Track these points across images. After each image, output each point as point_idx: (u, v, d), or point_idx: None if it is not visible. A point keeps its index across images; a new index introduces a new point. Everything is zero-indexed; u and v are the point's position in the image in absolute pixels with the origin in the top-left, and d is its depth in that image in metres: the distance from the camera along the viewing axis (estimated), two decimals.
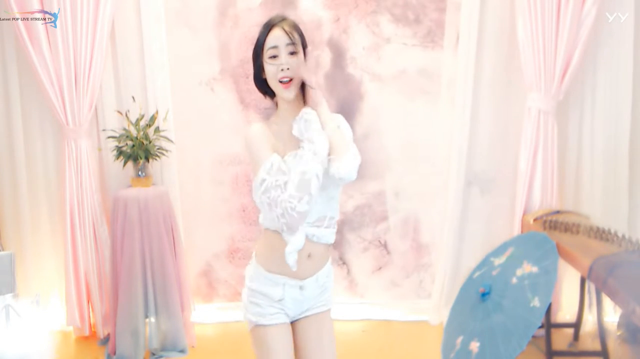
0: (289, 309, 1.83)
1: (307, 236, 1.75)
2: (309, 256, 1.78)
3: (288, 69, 1.72)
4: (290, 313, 1.84)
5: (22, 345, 2.12)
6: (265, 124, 1.80)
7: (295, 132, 1.74)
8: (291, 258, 1.72)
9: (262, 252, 1.82)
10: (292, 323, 1.88)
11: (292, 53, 1.73)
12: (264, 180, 1.66)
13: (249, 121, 3.59)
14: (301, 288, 1.81)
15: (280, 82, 1.73)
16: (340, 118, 1.81)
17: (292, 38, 1.72)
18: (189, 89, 3.55)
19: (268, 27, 1.75)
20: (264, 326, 1.80)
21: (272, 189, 1.64)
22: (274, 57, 1.73)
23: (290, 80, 1.72)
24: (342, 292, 3.76)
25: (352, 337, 3.41)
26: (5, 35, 3.28)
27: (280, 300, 1.80)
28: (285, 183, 1.65)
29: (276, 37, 1.72)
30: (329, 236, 1.82)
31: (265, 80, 1.79)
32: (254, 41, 1.80)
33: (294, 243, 1.71)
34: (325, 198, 1.77)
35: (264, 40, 1.74)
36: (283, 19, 1.77)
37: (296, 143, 1.74)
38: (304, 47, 1.77)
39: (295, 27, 1.77)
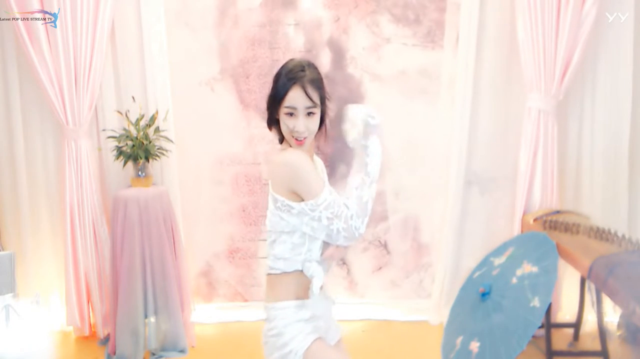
0: (321, 327, 1.84)
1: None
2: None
3: (304, 130, 1.72)
4: (321, 331, 1.84)
5: (22, 345, 2.12)
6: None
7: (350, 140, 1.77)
8: (317, 288, 1.77)
9: (288, 291, 1.80)
10: None
11: (310, 113, 1.72)
12: (325, 199, 1.69)
13: (249, 121, 3.59)
14: (326, 298, 1.90)
15: (294, 138, 1.74)
16: None
17: (312, 100, 1.70)
18: (189, 89, 3.55)
19: (289, 82, 1.69)
20: (313, 343, 1.76)
21: (336, 205, 1.69)
22: (291, 114, 1.71)
23: (305, 138, 1.74)
24: (342, 292, 3.75)
25: (352, 337, 3.41)
26: (5, 35, 3.28)
27: (311, 317, 1.81)
28: (345, 204, 1.72)
29: (296, 98, 1.69)
30: None
31: (276, 119, 1.78)
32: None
33: (320, 276, 1.78)
34: None
35: (284, 95, 1.70)
36: (304, 72, 1.70)
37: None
38: (324, 98, 1.76)
39: (317, 83, 1.72)
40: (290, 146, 1.79)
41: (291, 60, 1.76)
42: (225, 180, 3.67)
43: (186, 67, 3.52)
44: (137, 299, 3.13)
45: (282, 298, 1.80)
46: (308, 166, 1.72)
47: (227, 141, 3.62)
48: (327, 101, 1.79)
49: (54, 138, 3.41)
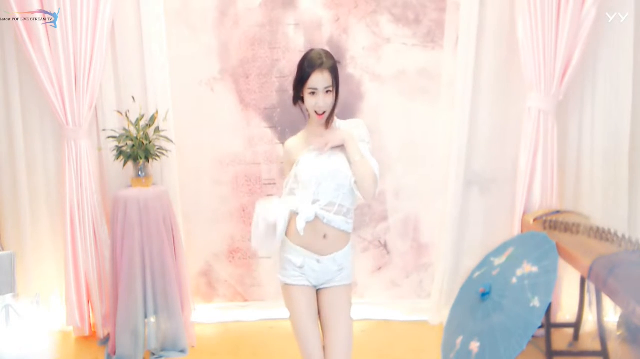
0: (309, 276, 2.22)
1: (318, 217, 2.16)
2: (325, 236, 2.18)
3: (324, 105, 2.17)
4: (311, 280, 2.23)
5: (22, 345, 2.12)
6: (300, 134, 2.30)
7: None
8: (300, 225, 2.16)
9: (290, 230, 2.22)
10: (318, 291, 2.26)
11: (328, 92, 2.16)
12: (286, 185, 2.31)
13: (249, 121, 3.59)
14: (318, 261, 2.20)
15: (316, 112, 2.18)
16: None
17: (329, 82, 2.15)
18: (189, 89, 3.55)
19: (312, 69, 2.13)
20: (289, 284, 2.23)
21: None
22: (313, 94, 2.16)
23: (324, 112, 2.18)
24: None
25: None
26: (5, 35, 3.28)
27: (301, 267, 2.21)
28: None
29: (317, 81, 2.14)
30: (341, 222, 2.19)
31: (300, 97, 2.22)
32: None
33: (302, 215, 2.15)
34: (334, 186, 2.16)
35: (307, 79, 2.14)
36: (322, 60, 2.13)
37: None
38: (338, 80, 2.19)
39: (334, 69, 2.16)
40: (306, 124, 2.29)
41: (312, 50, 2.20)
42: (225, 180, 3.67)
43: (186, 67, 3.52)
44: (137, 299, 3.13)
45: (287, 233, 2.26)
46: (285, 154, 2.30)
47: (227, 141, 3.62)
48: (339, 83, 2.21)
49: (54, 138, 3.41)
